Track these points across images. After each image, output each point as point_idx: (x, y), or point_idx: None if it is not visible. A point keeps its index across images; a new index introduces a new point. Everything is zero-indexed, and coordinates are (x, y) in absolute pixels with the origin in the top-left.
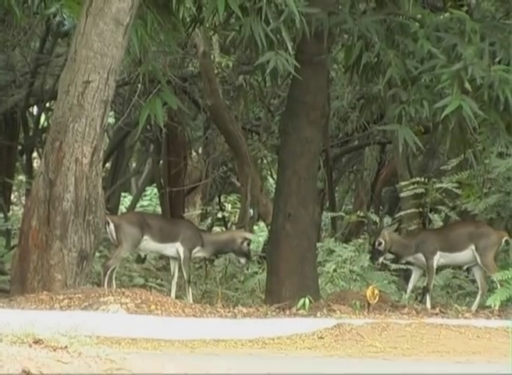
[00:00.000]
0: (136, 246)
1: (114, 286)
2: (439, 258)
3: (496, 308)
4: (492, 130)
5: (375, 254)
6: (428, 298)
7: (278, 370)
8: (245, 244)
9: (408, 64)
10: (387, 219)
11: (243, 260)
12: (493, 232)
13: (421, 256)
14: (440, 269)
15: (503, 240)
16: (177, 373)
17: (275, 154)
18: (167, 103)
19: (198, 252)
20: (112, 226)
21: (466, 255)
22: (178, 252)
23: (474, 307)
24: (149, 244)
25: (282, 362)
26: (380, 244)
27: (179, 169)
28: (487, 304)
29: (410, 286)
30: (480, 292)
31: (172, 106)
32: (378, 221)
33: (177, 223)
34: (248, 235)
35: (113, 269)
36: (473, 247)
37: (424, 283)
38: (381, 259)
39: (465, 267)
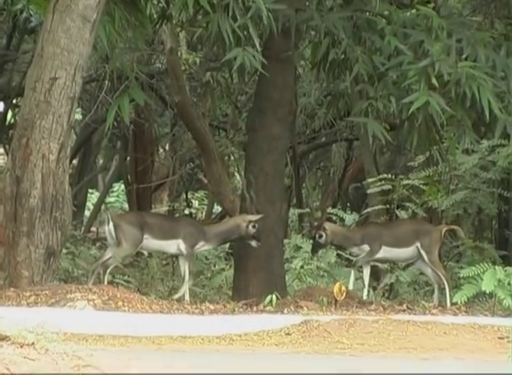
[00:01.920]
0: (138, 246)
1: (105, 282)
2: (382, 253)
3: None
4: (459, 127)
5: (315, 246)
6: (365, 291)
7: (245, 367)
8: (250, 227)
9: (375, 60)
10: (354, 216)
11: (253, 243)
12: (434, 228)
13: (366, 247)
14: (408, 265)
15: (443, 232)
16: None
17: (243, 151)
18: (134, 99)
19: (204, 246)
20: (111, 225)
21: (410, 251)
22: (180, 249)
23: (447, 302)
24: (150, 243)
25: (249, 359)
26: (321, 236)
27: (146, 166)
28: (454, 300)
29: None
30: (436, 286)
31: (139, 103)
32: (320, 214)
33: (177, 220)
34: (252, 217)
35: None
36: (418, 244)
37: (392, 280)
38: (320, 252)
39: (404, 264)
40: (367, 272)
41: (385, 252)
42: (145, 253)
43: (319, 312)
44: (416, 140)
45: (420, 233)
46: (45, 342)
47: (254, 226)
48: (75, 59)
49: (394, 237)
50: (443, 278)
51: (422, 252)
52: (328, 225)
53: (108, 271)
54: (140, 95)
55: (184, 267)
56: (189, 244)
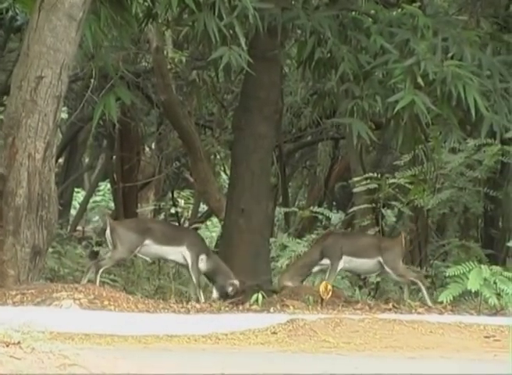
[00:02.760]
0: (133, 251)
1: (97, 283)
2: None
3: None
4: (445, 126)
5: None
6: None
7: (231, 366)
8: (230, 288)
9: (361, 59)
10: (340, 215)
11: (215, 293)
12: (394, 242)
13: (326, 261)
14: None
15: (403, 242)
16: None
17: (229, 149)
18: (120, 98)
19: (201, 262)
20: (108, 229)
21: (372, 263)
22: (185, 258)
23: (427, 301)
24: (152, 248)
25: (235, 358)
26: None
27: (132, 165)
28: (439, 299)
29: None
30: (405, 288)
31: (125, 102)
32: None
33: (182, 229)
34: (236, 282)
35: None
36: (381, 259)
37: (378, 279)
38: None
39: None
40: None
41: (346, 263)
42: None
43: (305, 310)
44: (401, 139)
45: (382, 249)
46: (31, 341)
47: (232, 290)
48: (61, 58)
49: (355, 248)
50: (417, 280)
51: (387, 269)
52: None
53: (100, 271)
54: (126, 94)
55: (192, 274)
56: (194, 252)
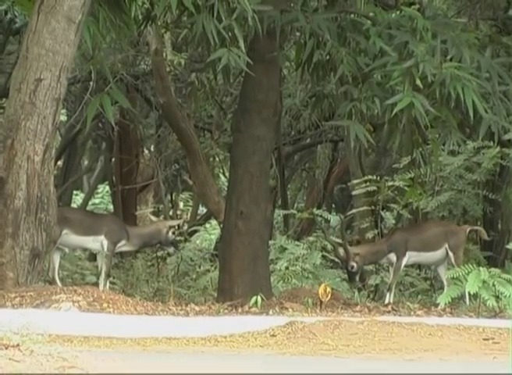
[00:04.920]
0: (55, 242)
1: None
2: (408, 258)
3: (442, 305)
4: (444, 128)
5: (351, 276)
6: (388, 295)
7: (230, 368)
8: (170, 233)
9: (360, 61)
10: (339, 217)
11: (170, 250)
12: (460, 229)
13: (393, 256)
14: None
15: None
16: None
17: (228, 152)
18: (117, 101)
19: (124, 246)
20: None
21: (438, 254)
22: (102, 246)
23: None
24: (70, 238)
25: (234, 360)
26: (353, 267)
27: (131, 167)
28: (437, 302)
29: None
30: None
31: (122, 105)
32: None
33: (101, 217)
34: (172, 223)
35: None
36: (446, 246)
37: (377, 281)
38: (357, 277)
39: (433, 267)
40: (397, 274)
41: (411, 257)
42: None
43: (304, 313)
44: (398, 141)
45: (449, 234)
46: (30, 344)
47: (173, 233)
48: (60, 60)
49: (421, 242)
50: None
51: (450, 254)
52: (353, 252)
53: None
54: (122, 97)
55: (101, 263)
56: (111, 241)
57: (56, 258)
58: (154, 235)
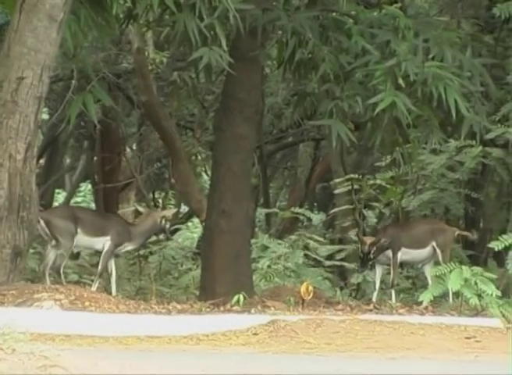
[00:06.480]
0: (74, 238)
1: (63, 282)
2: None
3: (425, 303)
4: (426, 127)
5: (364, 261)
6: (393, 293)
7: (212, 366)
8: (163, 222)
9: (342, 60)
10: (321, 216)
11: (161, 236)
12: (448, 228)
13: (389, 252)
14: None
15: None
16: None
17: (210, 150)
18: (100, 100)
19: (127, 247)
20: (42, 222)
21: (426, 252)
22: (103, 246)
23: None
24: (78, 238)
25: (216, 359)
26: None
27: (113, 166)
28: (420, 299)
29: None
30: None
31: (105, 103)
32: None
33: (108, 218)
34: (167, 213)
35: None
36: (434, 243)
37: (359, 280)
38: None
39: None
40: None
41: (404, 254)
42: None
43: (286, 311)
44: (379, 140)
45: (436, 232)
46: (12, 342)
47: (166, 221)
48: (42, 59)
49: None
50: None
51: (438, 252)
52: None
53: (62, 271)
54: (104, 95)
55: (100, 262)
56: (114, 242)
57: (51, 255)
58: (153, 229)
